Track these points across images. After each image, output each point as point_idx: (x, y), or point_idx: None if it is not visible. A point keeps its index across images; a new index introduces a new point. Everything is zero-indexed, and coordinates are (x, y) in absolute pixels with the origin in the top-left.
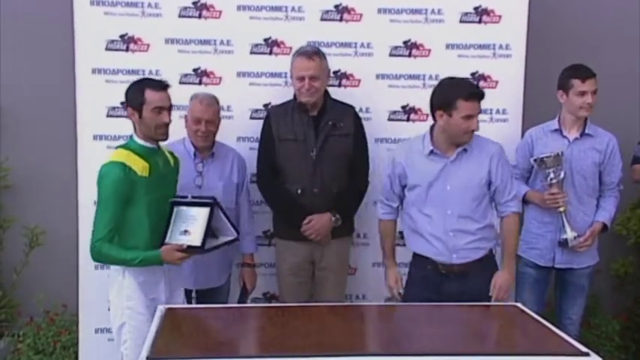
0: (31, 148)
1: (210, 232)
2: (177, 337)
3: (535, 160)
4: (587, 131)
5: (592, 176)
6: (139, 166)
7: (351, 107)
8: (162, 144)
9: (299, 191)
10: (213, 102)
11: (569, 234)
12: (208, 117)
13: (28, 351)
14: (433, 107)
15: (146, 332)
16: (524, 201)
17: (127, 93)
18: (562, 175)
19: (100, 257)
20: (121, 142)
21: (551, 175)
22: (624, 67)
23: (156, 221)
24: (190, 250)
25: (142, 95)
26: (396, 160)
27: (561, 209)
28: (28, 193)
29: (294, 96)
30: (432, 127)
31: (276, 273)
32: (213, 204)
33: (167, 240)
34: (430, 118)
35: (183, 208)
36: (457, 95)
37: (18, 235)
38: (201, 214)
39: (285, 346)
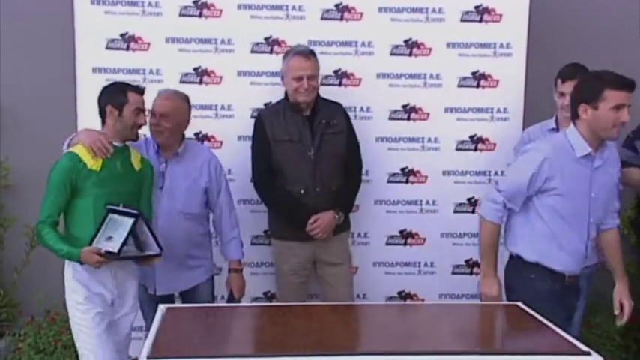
0: (32, 148)
1: (129, 241)
2: (178, 336)
3: None
4: None
5: None
6: (91, 159)
7: (339, 104)
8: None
9: (302, 192)
10: (173, 97)
11: None
12: (162, 111)
13: (29, 350)
14: (575, 103)
15: (85, 323)
16: None
17: (107, 92)
18: None
19: (39, 239)
20: None
21: None
22: (625, 66)
23: (102, 216)
24: (107, 255)
25: (125, 96)
26: (547, 160)
27: None
28: (28, 192)
29: (286, 96)
30: (574, 128)
31: (275, 273)
32: (137, 216)
33: (94, 243)
34: (430, 117)
35: (115, 215)
36: (604, 85)
37: (19, 235)
38: (125, 224)
39: (286, 345)
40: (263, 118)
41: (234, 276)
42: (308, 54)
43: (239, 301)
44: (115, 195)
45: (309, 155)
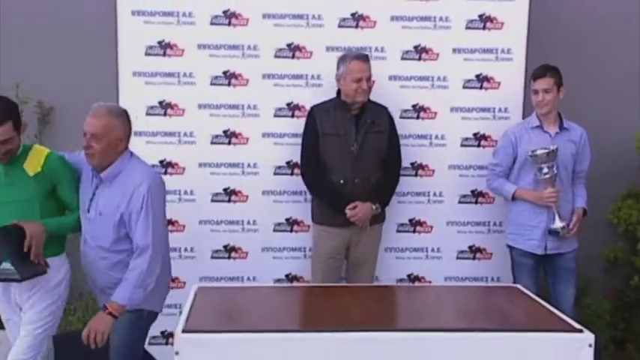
0: (80, 143)
1: (5, 257)
2: (209, 313)
3: (531, 156)
4: (564, 125)
5: (570, 166)
6: None
7: (385, 108)
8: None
9: (342, 182)
10: (104, 114)
11: (559, 224)
12: (93, 131)
13: (78, 323)
14: None
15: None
16: (512, 198)
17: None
18: (555, 170)
19: None
20: (159, 137)
21: (545, 170)
22: (622, 71)
23: None
24: None
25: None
26: None
27: (555, 204)
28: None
29: (338, 95)
30: None
31: (313, 256)
32: (10, 232)
33: None
34: (437, 116)
35: None
36: None
37: None
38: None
39: (306, 322)
40: (315, 113)
41: (100, 316)
42: (365, 58)
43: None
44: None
45: (352, 150)
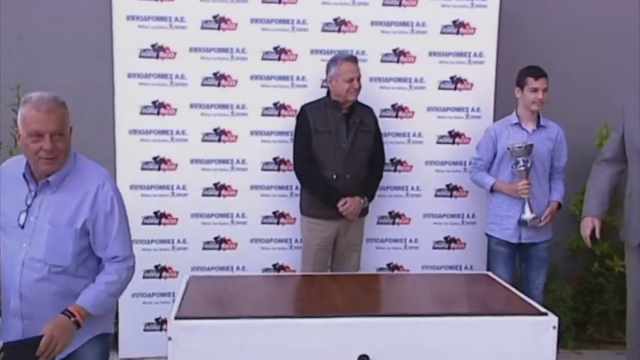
0: (77, 141)
1: None
2: (200, 300)
3: (509, 149)
4: (541, 123)
5: (547, 162)
6: None
7: (370, 108)
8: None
9: (334, 177)
10: (54, 106)
11: (529, 215)
12: (55, 127)
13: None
14: None
15: None
16: (491, 190)
17: None
18: (530, 164)
19: None
20: (152, 135)
21: (521, 163)
22: (584, 71)
23: None
24: None
25: None
26: None
27: (527, 195)
28: None
29: (328, 95)
30: None
31: (303, 247)
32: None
33: None
34: (415, 115)
35: None
36: None
37: None
38: None
39: (291, 309)
40: (306, 111)
41: (63, 323)
42: (355, 60)
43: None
44: None
45: (344, 147)
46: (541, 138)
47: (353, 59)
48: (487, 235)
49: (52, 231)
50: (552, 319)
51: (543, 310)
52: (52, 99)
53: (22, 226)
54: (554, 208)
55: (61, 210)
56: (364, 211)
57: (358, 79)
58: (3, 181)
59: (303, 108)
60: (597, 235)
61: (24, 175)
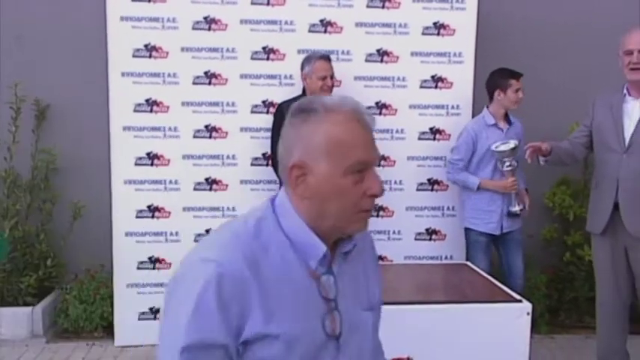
0: (74, 137)
1: None
2: None
3: (496, 152)
4: (511, 120)
5: (522, 156)
6: None
7: None
8: None
9: None
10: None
11: (517, 207)
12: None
13: (74, 301)
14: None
15: None
16: (478, 188)
17: None
18: (516, 163)
19: None
20: (145, 132)
21: (508, 163)
22: (559, 71)
23: None
24: None
25: None
26: None
27: (515, 190)
28: (71, 174)
29: (303, 92)
30: None
31: None
32: None
33: None
34: (397, 112)
35: None
36: None
37: (64, 209)
38: None
39: None
40: (284, 110)
41: None
42: (328, 58)
43: None
44: None
45: None
46: (512, 134)
47: (326, 58)
48: (467, 229)
49: (368, 319)
50: (526, 306)
51: (518, 297)
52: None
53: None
54: (527, 195)
55: (361, 286)
56: None
57: (331, 77)
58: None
59: (280, 105)
60: (542, 148)
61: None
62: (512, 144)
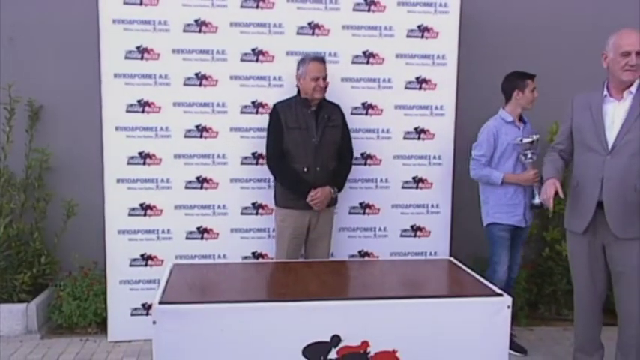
0: (67, 137)
1: None
2: (183, 286)
3: (518, 144)
4: (524, 119)
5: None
6: None
7: (338, 105)
8: None
9: (305, 169)
10: None
11: (539, 199)
12: None
13: (68, 297)
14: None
15: None
16: (502, 183)
17: None
18: (536, 156)
19: None
20: (138, 132)
21: (529, 155)
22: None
23: None
24: None
25: None
26: None
27: (537, 183)
28: (64, 173)
29: (298, 93)
30: None
31: (277, 236)
32: None
33: None
34: (383, 112)
35: None
36: None
37: (58, 207)
38: None
39: (269, 293)
40: (278, 109)
41: None
42: (322, 60)
43: None
44: None
45: (314, 141)
46: (526, 132)
47: (320, 59)
48: (491, 224)
49: None
50: (507, 300)
51: (499, 291)
52: None
53: None
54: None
55: None
56: (333, 202)
57: (324, 79)
58: None
59: (275, 106)
60: (560, 194)
61: None
62: (533, 137)
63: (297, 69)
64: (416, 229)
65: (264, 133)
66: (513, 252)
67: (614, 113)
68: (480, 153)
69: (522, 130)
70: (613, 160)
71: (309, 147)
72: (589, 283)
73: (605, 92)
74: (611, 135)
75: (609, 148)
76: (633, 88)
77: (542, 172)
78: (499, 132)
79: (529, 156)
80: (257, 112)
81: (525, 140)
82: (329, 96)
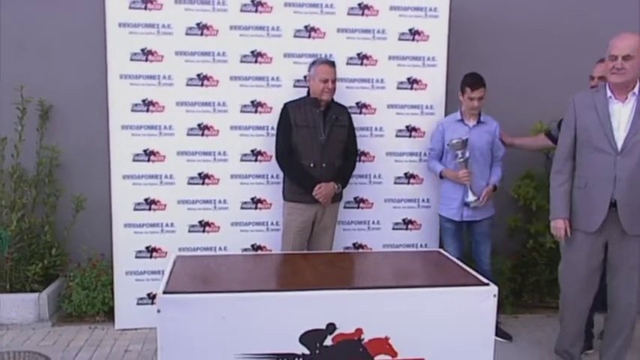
0: (76, 136)
1: None
2: (186, 276)
3: (448, 144)
4: (481, 120)
5: (487, 152)
6: None
7: (345, 107)
8: None
9: (312, 165)
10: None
11: (471, 198)
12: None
13: (77, 288)
14: None
15: None
16: (440, 176)
17: None
18: (467, 155)
19: None
20: (142, 130)
21: (459, 155)
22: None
23: None
24: None
25: None
26: None
27: (468, 182)
28: (73, 169)
29: (308, 94)
30: None
31: (284, 229)
32: None
33: None
34: (376, 111)
35: None
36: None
37: (67, 202)
38: None
39: (268, 283)
40: (288, 108)
41: None
42: (332, 63)
43: None
44: None
45: (321, 139)
46: (480, 132)
47: (330, 63)
48: (439, 214)
49: None
50: (493, 289)
51: (486, 281)
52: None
53: None
54: (490, 190)
55: None
56: (337, 197)
57: (333, 81)
58: None
59: (285, 105)
60: (569, 233)
61: None
62: (462, 138)
63: (309, 70)
64: (407, 223)
65: (263, 132)
66: (477, 247)
67: (620, 114)
68: (430, 146)
69: (473, 129)
70: (624, 160)
71: (316, 144)
72: (582, 284)
73: (610, 94)
74: (619, 135)
75: (619, 148)
76: (637, 90)
77: (551, 200)
78: (447, 129)
79: (459, 156)
80: (256, 111)
81: (454, 141)
82: None
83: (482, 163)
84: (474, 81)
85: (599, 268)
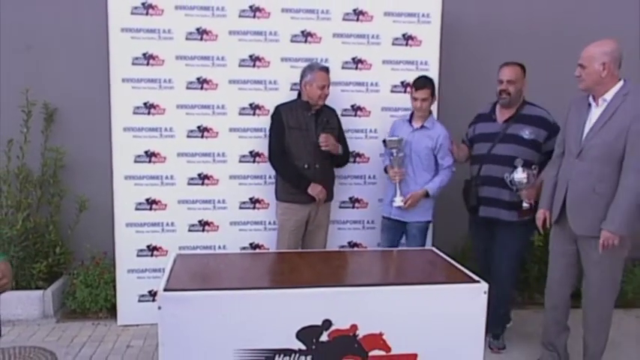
0: (79, 138)
1: None
2: (186, 274)
3: (384, 141)
4: (425, 124)
5: (426, 157)
6: None
7: (334, 110)
8: None
9: (306, 166)
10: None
11: (397, 198)
12: None
13: (81, 285)
14: None
15: None
16: (385, 170)
17: None
18: (400, 155)
19: None
20: (144, 132)
21: (394, 153)
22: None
23: None
24: None
25: None
26: None
27: (396, 181)
28: (77, 170)
29: (299, 96)
30: None
31: (279, 229)
32: None
33: None
34: (371, 114)
35: None
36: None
37: (71, 202)
38: None
39: (265, 281)
40: (281, 110)
41: None
42: (328, 70)
43: None
44: None
45: (314, 141)
46: (421, 136)
47: (327, 70)
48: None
49: None
50: (483, 286)
51: (477, 278)
52: None
53: None
54: (418, 194)
55: None
56: (330, 196)
57: (328, 87)
58: None
59: (277, 108)
60: (547, 224)
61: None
62: (396, 137)
63: (304, 75)
64: None
65: (261, 133)
66: (409, 243)
67: (591, 118)
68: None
69: (416, 130)
70: (579, 163)
71: (309, 146)
72: (561, 275)
73: (590, 99)
74: (583, 139)
75: (578, 151)
76: (608, 96)
77: (545, 177)
78: (396, 127)
79: (394, 154)
80: (254, 114)
81: (388, 139)
82: None
83: (420, 167)
84: (419, 81)
85: (573, 262)
